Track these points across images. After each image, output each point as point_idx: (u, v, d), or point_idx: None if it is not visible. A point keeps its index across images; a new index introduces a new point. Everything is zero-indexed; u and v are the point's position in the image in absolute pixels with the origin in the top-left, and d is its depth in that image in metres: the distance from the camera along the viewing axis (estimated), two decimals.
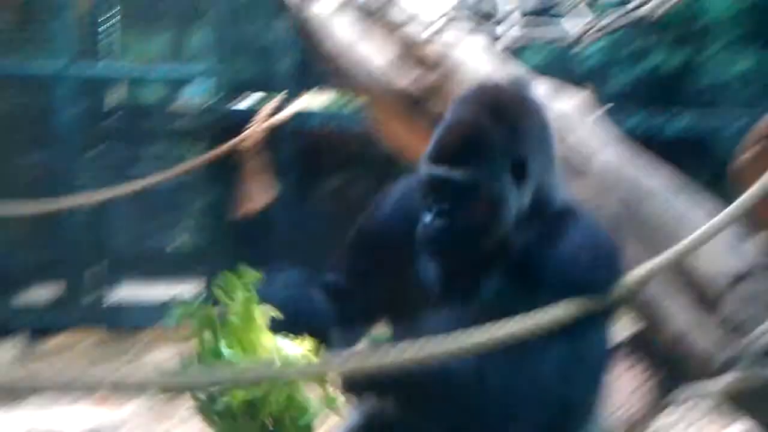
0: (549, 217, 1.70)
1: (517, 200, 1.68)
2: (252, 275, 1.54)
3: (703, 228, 1.72)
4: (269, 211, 4.96)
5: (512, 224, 1.67)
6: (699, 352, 2.54)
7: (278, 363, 1.49)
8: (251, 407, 1.48)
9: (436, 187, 1.68)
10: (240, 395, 1.47)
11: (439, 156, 1.69)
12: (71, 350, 5.25)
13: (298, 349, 1.52)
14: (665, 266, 1.65)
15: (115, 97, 5.83)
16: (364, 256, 1.83)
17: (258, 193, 4.83)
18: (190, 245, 6.03)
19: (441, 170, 1.67)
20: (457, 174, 1.65)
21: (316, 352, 1.53)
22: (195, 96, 5.82)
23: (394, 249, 1.77)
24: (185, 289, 5.80)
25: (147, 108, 5.80)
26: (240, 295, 1.52)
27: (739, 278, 2.47)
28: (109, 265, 5.84)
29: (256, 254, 5.33)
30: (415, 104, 2.88)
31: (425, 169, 1.71)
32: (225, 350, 1.48)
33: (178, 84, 5.85)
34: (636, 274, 1.61)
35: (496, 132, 1.66)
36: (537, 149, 1.71)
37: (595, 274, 1.63)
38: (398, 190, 1.90)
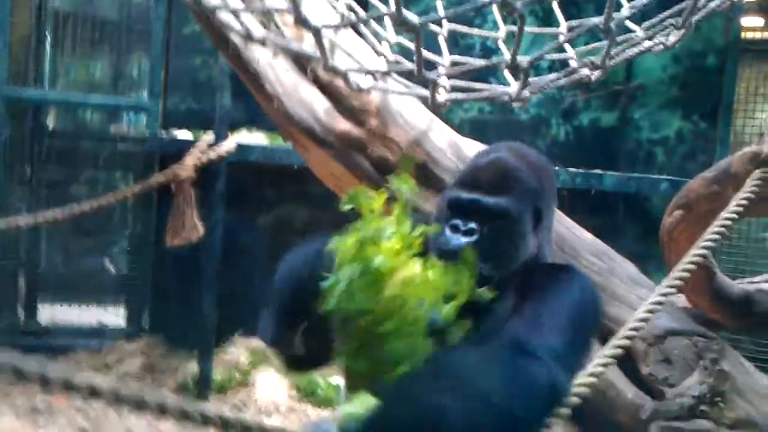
0: (548, 267, 1.83)
1: (531, 242, 1.79)
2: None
3: (643, 307, 1.86)
4: (204, 241, 4.92)
5: (521, 265, 1.77)
6: (628, 401, 2.61)
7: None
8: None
9: (465, 211, 1.76)
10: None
11: (472, 184, 1.79)
12: None
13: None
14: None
15: (48, 121, 5.72)
16: None
17: (191, 224, 4.79)
18: (119, 270, 5.92)
19: (474, 195, 1.76)
20: (489, 200, 1.74)
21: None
22: (132, 125, 5.75)
23: None
24: (111, 313, 5.69)
25: (81, 133, 5.69)
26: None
27: (661, 337, 2.55)
28: (33, 287, 5.68)
29: (187, 284, 5.26)
30: (355, 147, 2.90)
31: (455, 193, 1.79)
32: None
33: (114, 112, 5.78)
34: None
35: (528, 177, 1.79)
36: (549, 208, 1.85)
37: (588, 318, 1.73)
38: None
